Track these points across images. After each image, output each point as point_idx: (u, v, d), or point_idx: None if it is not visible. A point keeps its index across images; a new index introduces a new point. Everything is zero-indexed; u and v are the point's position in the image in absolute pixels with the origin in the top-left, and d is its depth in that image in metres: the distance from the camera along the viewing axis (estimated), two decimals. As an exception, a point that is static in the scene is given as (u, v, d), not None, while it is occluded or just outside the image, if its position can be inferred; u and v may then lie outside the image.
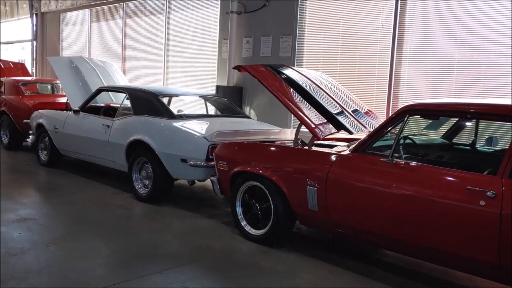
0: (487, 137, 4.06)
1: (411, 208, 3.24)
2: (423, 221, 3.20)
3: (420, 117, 3.68)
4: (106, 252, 3.96)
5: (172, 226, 4.77)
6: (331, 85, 5.09)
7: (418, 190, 3.21)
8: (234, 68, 4.90)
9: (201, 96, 6.92)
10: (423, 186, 3.20)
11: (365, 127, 4.58)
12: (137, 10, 10.99)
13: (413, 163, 3.38)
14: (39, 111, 7.66)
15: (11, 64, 12.30)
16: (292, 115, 5.15)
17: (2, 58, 14.55)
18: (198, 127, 5.35)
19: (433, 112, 3.60)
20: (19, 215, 4.79)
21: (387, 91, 6.59)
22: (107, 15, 11.86)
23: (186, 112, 6.28)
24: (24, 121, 8.06)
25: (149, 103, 5.85)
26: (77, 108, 6.72)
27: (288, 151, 4.27)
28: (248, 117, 6.76)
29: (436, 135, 4.34)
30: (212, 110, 7.07)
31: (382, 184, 3.41)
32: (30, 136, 8.49)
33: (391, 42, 6.53)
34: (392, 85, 6.54)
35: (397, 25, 6.46)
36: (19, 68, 12.31)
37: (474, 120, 3.95)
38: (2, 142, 9.07)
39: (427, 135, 4.31)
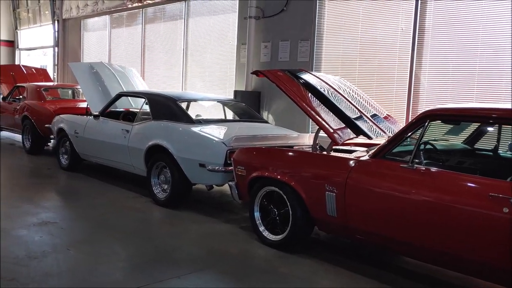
0: (510, 142, 3.98)
1: (431, 214, 3.19)
2: (444, 228, 3.14)
3: (441, 122, 3.62)
4: (125, 256, 3.99)
5: (190, 230, 4.78)
6: (350, 89, 5.06)
7: (439, 196, 3.16)
8: (252, 73, 4.92)
9: (219, 101, 6.95)
10: (444, 193, 3.15)
11: (384, 132, 4.53)
12: (156, 15, 11.12)
13: (434, 169, 3.33)
14: (60, 116, 7.79)
15: (33, 69, 12.57)
16: (311, 120, 5.13)
17: (25, 64, 14.86)
18: (216, 132, 5.36)
19: (454, 117, 3.54)
20: (41, 218, 4.86)
21: (406, 97, 6.51)
22: (127, 21, 12.02)
23: (204, 117, 6.31)
24: (46, 125, 8.20)
25: (167, 108, 5.89)
26: (97, 113, 6.80)
27: (307, 156, 4.25)
28: (266, 122, 6.76)
29: (457, 141, 4.27)
30: (230, 115, 7.09)
31: (402, 190, 3.36)
32: (52, 141, 8.63)
33: (410, 47, 6.46)
34: (412, 91, 6.47)
35: (417, 29, 6.40)
36: (41, 73, 12.56)
37: (497, 125, 3.88)
38: (25, 146, 9.24)
39: (448, 141, 4.25)
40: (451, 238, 3.13)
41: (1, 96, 11.33)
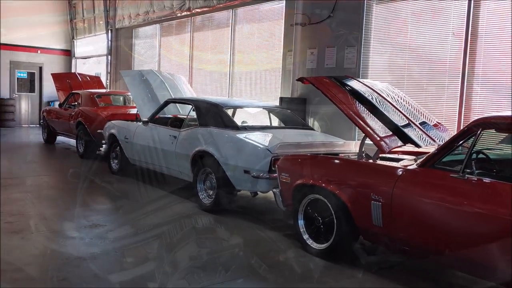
0: None
1: (483, 227, 3.05)
2: (496, 242, 3.00)
3: (495, 131, 3.47)
4: (169, 261, 4.06)
5: (234, 236, 4.80)
6: (398, 96, 4.94)
7: (492, 209, 3.02)
8: (298, 80, 4.90)
9: (264, 108, 6.97)
10: (498, 205, 3.01)
11: (433, 141, 4.39)
12: (204, 24, 11.31)
13: (487, 180, 3.19)
14: (112, 121, 8.05)
15: (87, 77, 13.11)
16: (357, 127, 5.05)
17: (81, 72, 15.52)
18: (261, 139, 5.38)
19: (508, 126, 3.38)
20: (91, 221, 5.04)
21: (458, 104, 6.27)
22: (176, 29, 12.30)
23: (250, 123, 6.35)
24: (98, 131, 8.50)
25: (214, 114, 5.97)
26: (146, 119, 6.98)
27: (352, 165, 4.18)
28: (311, 129, 6.71)
29: (512, 150, 4.07)
30: (275, 121, 7.10)
31: (451, 201, 3.24)
32: (103, 146, 8.93)
33: (462, 52, 6.23)
34: (464, 98, 6.22)
35: (469, 33, 6.16)
36: (95, 81, 13.09)
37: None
38: (78, 151, 9.62)
39: (502, 150, 4.06)
40: (504, 252, 2.98)
41: (58, 103, 11.89)
